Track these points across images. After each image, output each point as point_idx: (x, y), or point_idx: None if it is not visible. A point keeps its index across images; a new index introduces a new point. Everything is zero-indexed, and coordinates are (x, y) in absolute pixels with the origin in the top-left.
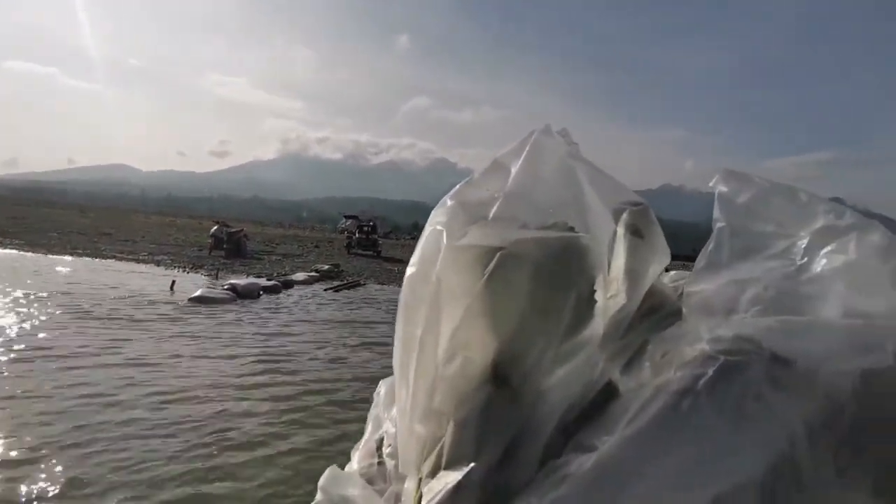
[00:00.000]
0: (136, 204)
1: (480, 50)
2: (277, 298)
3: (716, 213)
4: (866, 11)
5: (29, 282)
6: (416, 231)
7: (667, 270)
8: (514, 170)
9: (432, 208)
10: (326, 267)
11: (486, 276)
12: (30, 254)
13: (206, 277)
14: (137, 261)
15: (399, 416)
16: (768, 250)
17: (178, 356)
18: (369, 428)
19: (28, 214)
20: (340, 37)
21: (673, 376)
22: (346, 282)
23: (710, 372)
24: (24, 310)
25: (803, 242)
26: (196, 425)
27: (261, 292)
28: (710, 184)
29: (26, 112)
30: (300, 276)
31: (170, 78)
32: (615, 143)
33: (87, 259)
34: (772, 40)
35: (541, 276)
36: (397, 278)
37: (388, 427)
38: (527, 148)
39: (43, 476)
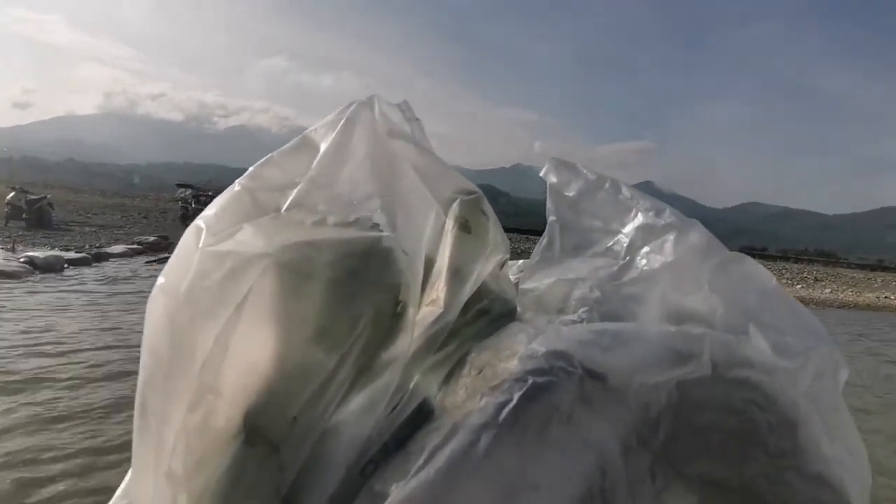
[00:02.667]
0: None
1: (341, 8)
2: (86, 271)
3: (548, 204)
4: (674, 21)
5: None
6: None
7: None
8: (322, 149)
9: None
10: (152, 238)
11: (243, 295)
12: None
13: (3, 249)
14: None
15: (134, 473)
16: (594, 247)
17: None
18: (123, 483)
19: None
20: None
21: (476, 406)
22: (170, 254)
23: (515, 398)
24: None
25: (625, 241)
26: None
27: (66, 265)
28: (541, 173)
29: None
30: (118, 248)
31: None
32: (473, 120)
33: None
34: (602, 36)
35: (323, 292)
36: None
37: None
38: (340, 123)
39: None
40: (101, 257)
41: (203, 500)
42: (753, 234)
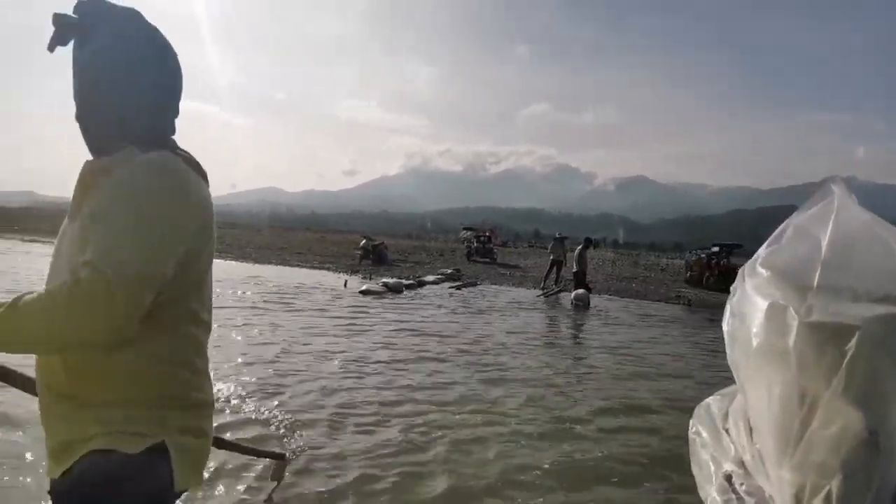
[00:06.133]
0: (285, 222)
1: (591, 47)
2: (416, 292)
3: None
4: None
5: (271, 283)
6: (535, 239)
7: None
8: (821, 235)
9: (552, 215)
10: (450, 271)
11: (845, 356)
12: (245, 264)
13: (363, 279)
14: (312, 268)
15: (768, 464)
16: None
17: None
18: (712, 466)
19: (222, 234)
20: (461, 52)
21: None
22: (465, 282)
23: None
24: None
25: None
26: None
27: (404, 288)
28: None
29: (196, 145)
30: (430, 277)
31: (309, 107)
32: (757, 133)
33: (280, 267)
34: None
35: (890, 350)
36: (508, 280)
37: (729, 466)
38: (832, 214)
39: None
40: (422, 283)
41: (853, 479)
42: None
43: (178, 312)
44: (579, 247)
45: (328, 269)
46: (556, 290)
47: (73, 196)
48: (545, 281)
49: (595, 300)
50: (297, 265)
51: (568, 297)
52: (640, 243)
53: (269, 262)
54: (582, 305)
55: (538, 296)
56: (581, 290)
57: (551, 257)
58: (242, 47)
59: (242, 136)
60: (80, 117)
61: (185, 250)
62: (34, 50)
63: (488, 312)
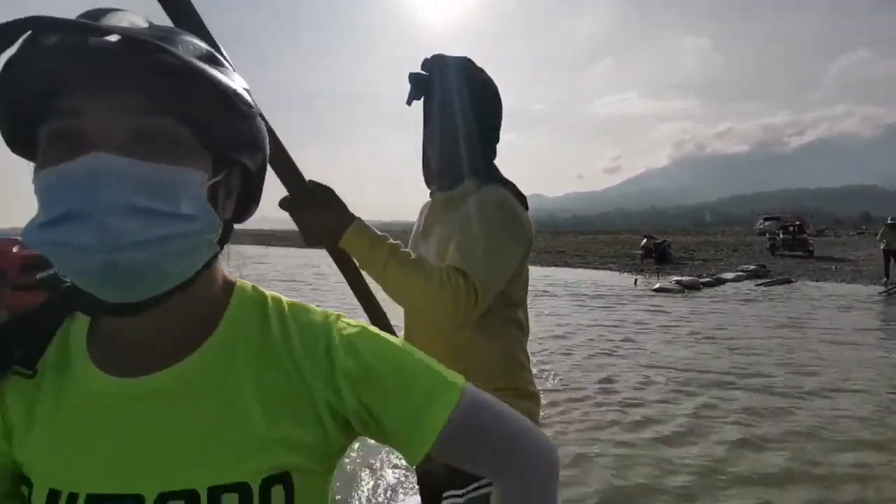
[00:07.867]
0: (547, 226)
1: None
2: (716, 290)
3: None
4: None
5: (567, 284)
6: (865, 224)
7: None
8: None
9: (888, 191)
10: (752, 267)
11: None
12: (534, 267)
13: (649, 277)
14: (594, 268)
15: None
16: None
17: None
18: None
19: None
20: (736, 11)
21: None
22: (775, 279)
23: None
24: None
25: None
26: None
27: (701, 286)
28: None
29: None
30: (729, 275)
31: (566, 111)
32: None
33: (565, 269)
34: None
35: None
36: (835, 275)
37: None
38: None
39: None
40: (720, 281)
41: None
42: None
43: (507, 321)
44: None
45: (610, 269)
46: None
47: (426, 220)
48: (888, 276)
49: None
50: (581, 267)
51: None
52: None
53: (554, 265)
54: None
55: (880, 293)
56: None
57: (881, 247)
58: (501, 72)
59: (506, 151)
60: (431, 159)
61: (513, 271)
62: (359, 110)
63: (817, 311)
